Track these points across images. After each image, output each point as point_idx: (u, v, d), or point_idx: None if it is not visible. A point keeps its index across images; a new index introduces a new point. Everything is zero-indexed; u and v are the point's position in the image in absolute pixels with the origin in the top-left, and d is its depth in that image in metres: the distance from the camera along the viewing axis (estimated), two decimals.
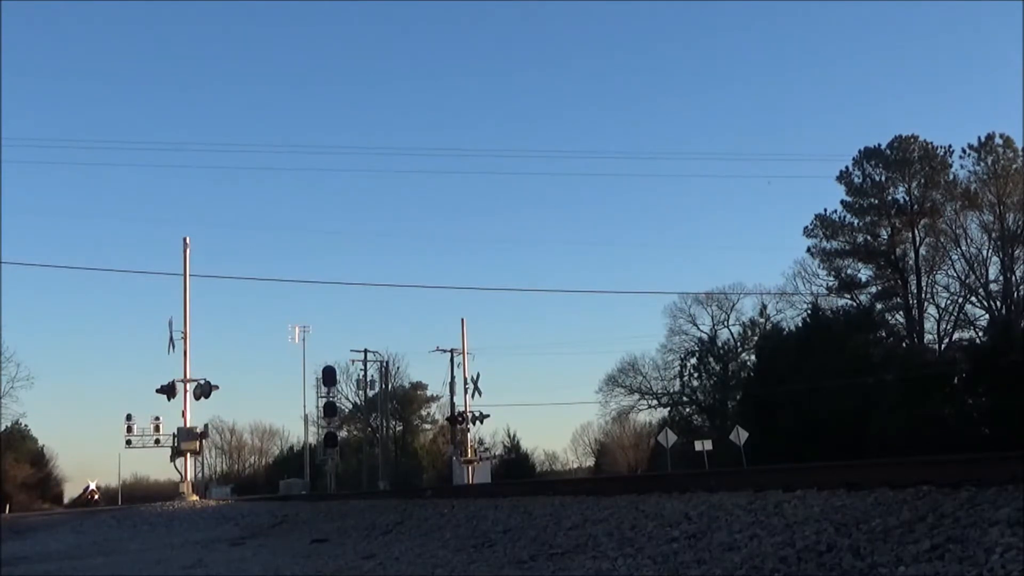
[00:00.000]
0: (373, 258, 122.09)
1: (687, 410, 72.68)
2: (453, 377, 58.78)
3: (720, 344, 72.30)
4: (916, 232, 59.65)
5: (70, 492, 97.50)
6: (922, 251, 59.39)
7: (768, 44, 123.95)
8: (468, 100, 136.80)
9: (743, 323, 72.69)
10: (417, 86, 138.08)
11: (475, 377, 57.17)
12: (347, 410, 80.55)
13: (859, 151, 62.92)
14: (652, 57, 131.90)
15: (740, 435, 46.82)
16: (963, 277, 57.49)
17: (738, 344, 72.59)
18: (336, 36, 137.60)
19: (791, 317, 65.44)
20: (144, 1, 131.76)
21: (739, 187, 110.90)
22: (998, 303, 56.18)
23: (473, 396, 57.17)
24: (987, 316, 56.88)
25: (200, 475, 67.07)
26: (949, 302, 59.01)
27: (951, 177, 59.71)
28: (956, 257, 57.61)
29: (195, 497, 37.39)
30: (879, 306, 60.87)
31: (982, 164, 58.11)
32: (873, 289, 62.17)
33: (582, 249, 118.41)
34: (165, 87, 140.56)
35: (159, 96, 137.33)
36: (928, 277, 59.32)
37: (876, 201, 61.68)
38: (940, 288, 59.28)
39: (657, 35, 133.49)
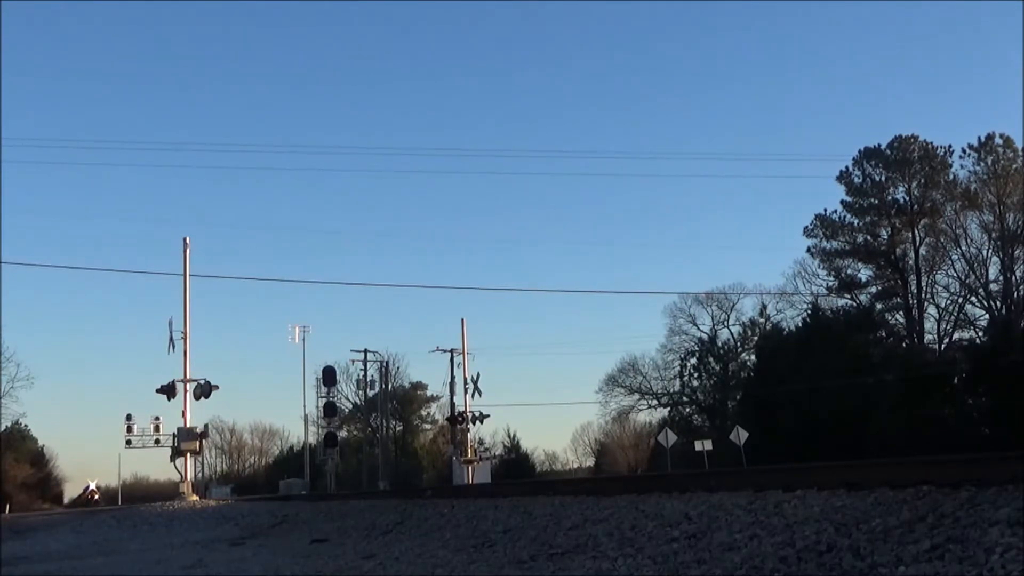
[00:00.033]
0: (373, 258, 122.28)
1: (687, 410, 72.69)
2: (453, 377, 58.87)
3: (720, 344, 72.32)
4: (916, 232, 59.66)
5: (70, 492, 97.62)
6: (922, 251, 59.44)
7: (768, 44, 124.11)
8: (468, 100, 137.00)
9: (743, 323, 72.81)
10: (417, 86, 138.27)
11: (475, 377, 57.25)
12: (347, 410, 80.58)
13: (859, 151, 63.03)
14: (652, 57, 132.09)
15: (740, 435, 46.82)
16: (963, 277, 57.54)
17: (738, 344, 72.63)
18: (336, 36, 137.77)
19: (791, 317, 65.55)
20: (144, 1, 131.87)
21: (739, 187, 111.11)
22: (998, 303, 56.18)
23: (473, 396, 57.25)
24: (987, 316, 56.91)
25: (200, 475, 67.09)
26: (949, 302, 59.11)
27: (951, 177, 59.75)
28: (956, 257, 57.70)
29: (195, 497, 37.38)
30: (879, 306, 60.87)
31: (982, 164, 58.14)
32: (873, 289, 62.20)
33: (582, 249, 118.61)
34: (165, 87, 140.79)
35: (159, 96, 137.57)
36: (928, 277, 59.40)
37: (876, 201, 61.68)
38: (940, 288, 59.39)
39: (657, 35, 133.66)
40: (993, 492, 6.52)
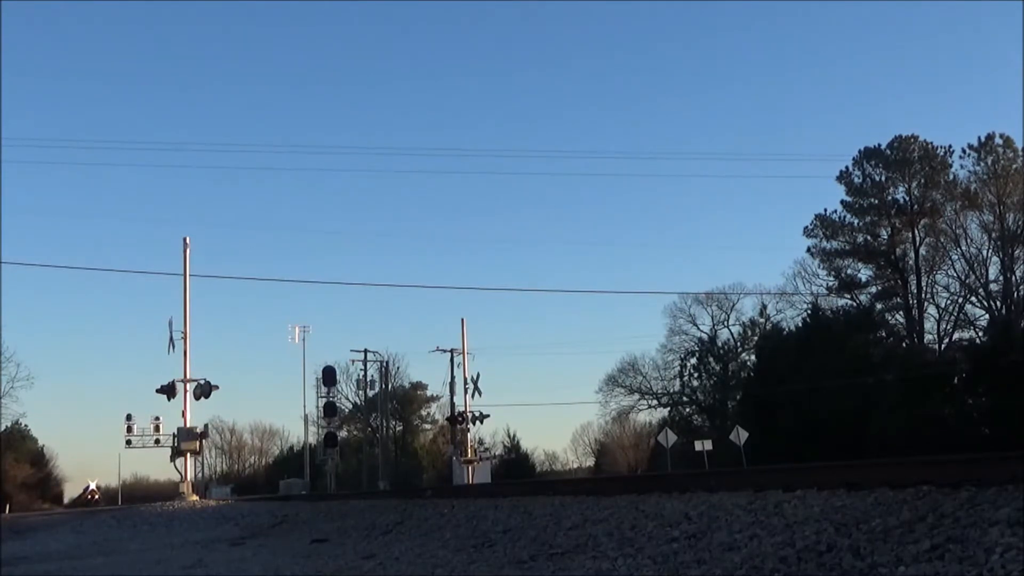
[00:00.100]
0: (373, 258, 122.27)
1: (687, 410, 72.69)
2: (453, 377, 58.87)
3: (720, 344, 72.32)
4: (916, 232, 59.66)
5: (70, 492, 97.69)
6: (922, 251, 59.44)
7: (768, 44, 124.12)
8: (468, 100, 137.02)
9: (743, 323, 72.81)
10: (417, 86, 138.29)
11: (475, 377, 57.25)
12: (347, 410, 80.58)
13: (859, 151, 63.03)
14: (652, 57, 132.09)
15: (740, 435, 46.82)
16: (963, 277, 57.55)
17: (738, 344, 72.63)
18: (336, 36, 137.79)
19: (791, 317, 65.55)
20: (144, 1, 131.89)
21: (739, 187, 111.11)
22: (998, 303, 56.18)
23: (473, 396, 57.25)
24: (987, 316, 56.91)
25: (200, 475, 67.10)
26: (949, 302, 59.12)
27: (951, 177, 59.75)
28: (956, 257, 57.70)
29: (195, 497, 37.38)
30: (879, 306, 60.87)
31: (982, 164, 58.15)
32: (873, 289, 62.20)
33: (582, 249, 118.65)
34: (165, 87, 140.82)
35: (159, 96, 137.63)
36: (928, 277, 59.40)
37: (876, 201, 61.68)
38: (940, 288, 59.40)
39: (657, 35, 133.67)
40: (993, 492, 6.52)
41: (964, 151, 59.05)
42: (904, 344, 57.87)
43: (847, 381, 47.18)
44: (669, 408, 73.29)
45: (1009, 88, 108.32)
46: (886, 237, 61.43)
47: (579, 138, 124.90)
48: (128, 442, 42.47)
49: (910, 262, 59.68)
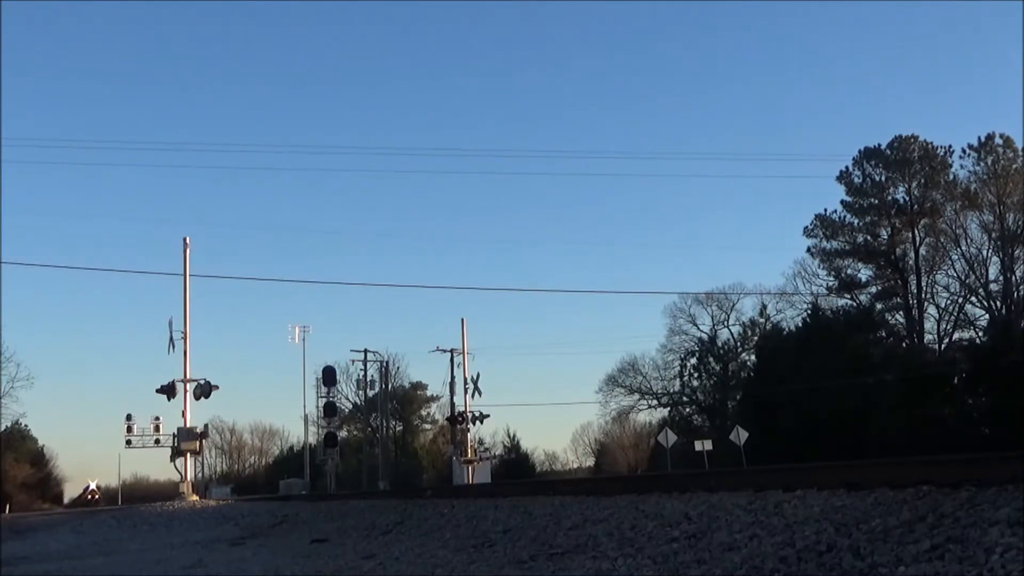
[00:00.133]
0: (373, 258, 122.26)
1: (687, 410, 72.69)
2: (453, 377, 58.87)
3: (720, 344, 72.32)
4: (916, 232, 59.66)
5: (70, 492, 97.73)
6: (922, 251, 59.44)
7: (768, 44, 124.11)
8: (468, 100, 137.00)
9: (743, 323, 72.81)
10: (417, 86, 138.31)
11: (475, 377, 57.25)
12: (347, 410, 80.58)
13: (859, 151, 63.03)
14: (652, 57, 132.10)
15: (740, 435, 46.81)
16: (963, 277, 57.55)
17: (738, 344, 72.63)
18: (336, 36, 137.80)
19: (791, 317, 65.54)
20: (144, 1, 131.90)
21: (739, 187, 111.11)
22: (998, 303, 56.18)
23: (473, 396, 57.25)
24: (987, 316, 56.91)
25: (200, 475, 67.10)
26: (949, 302, 59.12)
27: (951, 177, 59.75)
28: (956, 257, 57.71)
29: (195, 497, 37.38)
30: (879, 306, 60.87)
31: (982, 164, 58.14)
32: (873, 289, 62.20)
33: (582, 249, 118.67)
34: (165, 87, 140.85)
35: (159, 96, 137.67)
36: (928, 277, 59.40)
37: (876, 201, 61.68)
38: (940, 288, 59.40)
39: (657, 35, 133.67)
40: (993, 492, 6.52)
41: (964, 151, 59.13)
42: (904, 344, 57.87)
43: (847, 381, 47.18)
44: (669, 408, 73.32)
45: (1009, 88, 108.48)
46: (886, 237, 61.44)
47: (579, 138, 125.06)
48: (128, 442, 42.48)
49: (910, 262, 59.68)
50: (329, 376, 60.82)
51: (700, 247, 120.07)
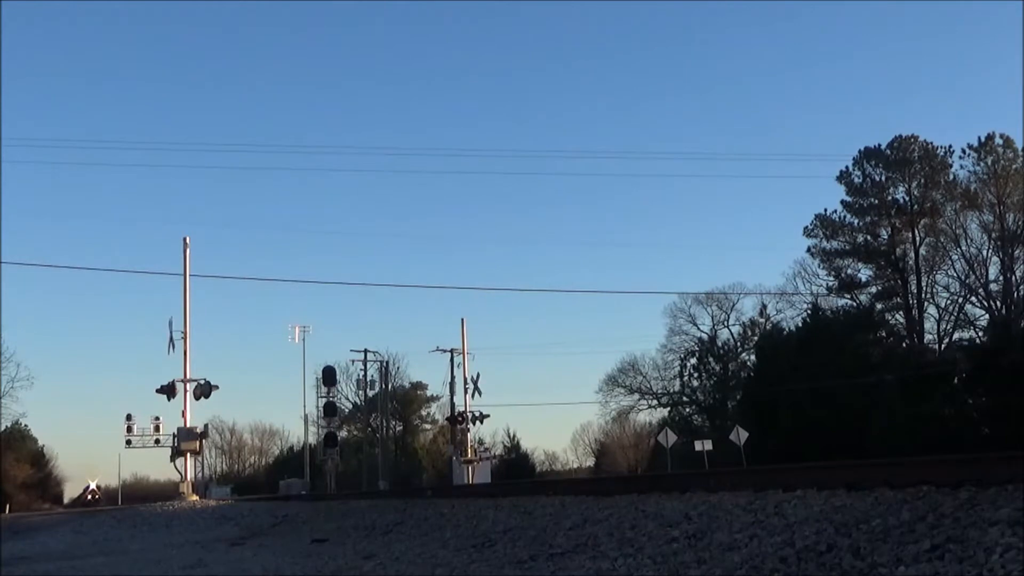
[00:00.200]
0: (373, 258, 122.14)
1: (687, 410, 72.67)
2: (453, 377, 58.84)
3: (720, 344, 72.31)
4: (916, 232, 59.64)
5: (70, 492, 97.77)
6: (922, 251, 59.41)
7: (768, 44, 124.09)
8: (468, 100, 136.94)
9: (743, 323, 72.78)
10: (417, 86, 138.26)
11: (475, 377, 57.23)
12: (347, 410, 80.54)
13: (859, 151, 62.98)
14: (652, 57, 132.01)
15: (740, 435, 46.77)
16: (963, 277, 57.53)
17: (738, 344, 72.62)
18: (337, 36, 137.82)
19: (791, 317, 65.47)
20: (144, 1, 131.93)
21: (739, 187, 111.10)
22: (998, 303, 56.17)
23: (473, 396, 57.24)
24: (987, 316, 56.90)
25: (200, 475, 67.00)
26: (949, 302, 59.10)
27: (951, 177, 59.73)
28: (956, 257, 57.67)
29: (195, 497, 37.38)
30: (879, 306, 60.84)
31: (982, 164, 58.11)
32: (873, 289, 62.17)
33: (582, 249, 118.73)
34: (165, 87, 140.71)
35: (159, 96, 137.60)
36: (928, 277, 59.38)
37: (876, 201, 61.67)
38: (940, 288, 59.37)
39: (657, 35, 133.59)
40: (993, 492, 6.53)
41: (964, 151, 59.09)
42: (904, 344, 57.87)
43: (847, 381, 47.17)
44: (669, 408, 73.30)
45: (1009, 88, 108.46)
46: (886, 237, 61.42)
47: (578, 138, 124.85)
48: (128, 442, 42.45)
49: (910, 262, 59.66)
50: (329, 376, 60.79)
51: (700, 247, 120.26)
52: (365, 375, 68.83)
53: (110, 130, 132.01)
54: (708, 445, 50.30)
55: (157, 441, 41.98)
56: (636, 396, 75.40)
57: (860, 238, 62.68)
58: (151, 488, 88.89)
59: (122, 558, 16.30)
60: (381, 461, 65.09)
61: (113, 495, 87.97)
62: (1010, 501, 6.17)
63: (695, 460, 50.32)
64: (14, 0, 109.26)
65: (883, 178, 61.69)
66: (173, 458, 39.75)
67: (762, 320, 70.76)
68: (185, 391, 38.56)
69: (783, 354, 55.56)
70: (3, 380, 66.30)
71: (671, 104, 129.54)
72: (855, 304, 61.39)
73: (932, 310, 59.63)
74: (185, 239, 40.63)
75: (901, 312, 60.38)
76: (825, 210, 63.54)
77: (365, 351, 66.75)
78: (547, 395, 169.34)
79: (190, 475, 39.80)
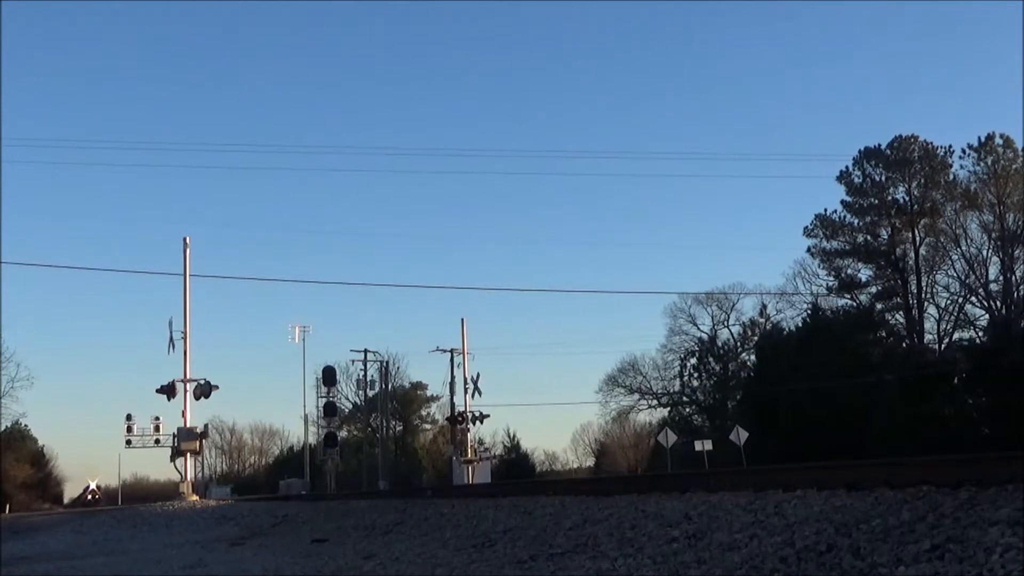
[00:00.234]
0: (373, 258, 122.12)
1: (687, 410, 72.67)
2: (453, 377, 58.84)
3: (720, 344, 72.31)
4: (916, 232, 59.64)
5: (70, 492, 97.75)
6: (922, 251, 59.41)
7: (768, 44, 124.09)
8: (467, 100, 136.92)
9: (743, 323, 72.78)
10: (418, 86, 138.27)
11: (475, 377, 57.23)
12: (347, 410, 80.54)
13: (859, 151, 62.99)
14: (651, 57, 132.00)
15: (740, 435, 46.77)
16: (963, 277, 57.53)
17: (738, 344, 72.62)
18: (337, 36, 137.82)
19: (791, 317, 65.47)
20: (144, 1, 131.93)
21: (739, 187, 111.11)
22: (998, 303, 56.17)
23: (473, 396, 57.24)
24: (987, 316, 56.90)
25: (200, 475, 67.00)
26: (949, 302, 59.10)
27: (951, 177, 59.73)
28: (956, 257, 57.67)
29: (195, 497, 37.38)
30: (879, 306, 60.84)
31: (982, 164, 58.11)
32: (873, 289, 62.17)
33: (582, 249, 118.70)
34: (164, 87, 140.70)
35: (158, 96, 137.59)
36: (928, 277, 59.39)
37: (876, 201, 61.67)
38: (940, 288, 59.37)
39: (656, 35, 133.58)
40: (993, 492, 6.53)
41: (964, 151, 59.09)
42: (904, 344, 57.87)
43: (847, 381, 47.17)
44: (669, 408, 73.30)
45: (1009, 88, 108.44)
46: (886, 237, 61.42)
47: (578, 138, 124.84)
48: (128, 442, 42.45)
49: (910, 262, 59.66)
50: (329, 376, 60.78)
51: (700, 247, 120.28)
52: (365, 375, 68.91)
53: (110, 130, 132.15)
54: (708, 445, 50.30)
55: (157, 441, 41.99)
56: (636, 396, 75.50)
57: (860, 238, 62.68)
58: (151, 488, 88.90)
59: (122, 558, 16.30)
60: (381, 461, 65.09)
61: (113, 495, 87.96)
62: (1010, 501, 6.17)
63: (695, 460, 50.32)
64: (14, 0, 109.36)
65: (883, 178, 61.70)
66: (173, 458, 39.75)
67: (762, 320, 70.82)
68: (185, 391, 38.58)
69: (783, 354, 55.55)
70: (3, 380, 66.39)
71: (671, 104, 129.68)
72: (855, 304, 61.39)
73: (932, 310, 59.71)
74: (185, 239, 40.70)
75: (901, 312, 60.38)
76: (825, 210, 63.64)
77: (365, 351, 66.81)
78: (547, 395, 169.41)
79: (190, 475, 39.80)
